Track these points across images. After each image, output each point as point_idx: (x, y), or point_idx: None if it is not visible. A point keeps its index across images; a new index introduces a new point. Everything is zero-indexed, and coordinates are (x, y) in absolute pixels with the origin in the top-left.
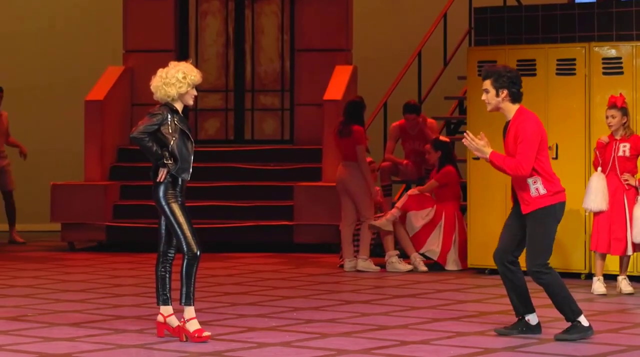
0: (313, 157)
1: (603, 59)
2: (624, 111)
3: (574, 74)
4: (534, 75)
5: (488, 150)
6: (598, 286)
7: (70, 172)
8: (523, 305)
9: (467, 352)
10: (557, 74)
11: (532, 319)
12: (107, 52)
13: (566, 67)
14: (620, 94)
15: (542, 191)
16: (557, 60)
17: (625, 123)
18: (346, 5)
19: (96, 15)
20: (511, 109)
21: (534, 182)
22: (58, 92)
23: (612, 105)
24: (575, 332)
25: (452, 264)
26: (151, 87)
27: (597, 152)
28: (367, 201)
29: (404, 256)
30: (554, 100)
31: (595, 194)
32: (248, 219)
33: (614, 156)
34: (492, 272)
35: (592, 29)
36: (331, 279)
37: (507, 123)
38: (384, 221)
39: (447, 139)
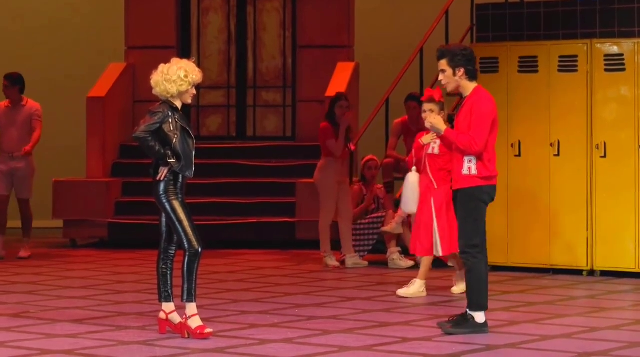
0: (315, 153)
1: (605, 55)
2: (441, 105)
3: (576, 70)
4: (536, 72)
5: (443, 127)
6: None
7: (72, 169)
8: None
9: (469, 349)
10: (559, 70)
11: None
12: (109, 49)
13: (568, 64)
14: (437, 87)
15: (474, 171)
16: (559, 57)
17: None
18: (348, 2)
19: (98, 11)
20: (469, 86)
21: (469, 161)
22: (60, 88)
23: (429, 98)
24: (466, 327)
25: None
26: (151, 82)
27: (414, 151)
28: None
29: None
30: (555, 97)
31: (413, 195)
32: (250, 215)
33: (425, 154)
34: (494, 269)
35: (594, 26)
36: (333, 275)
37: (462, 100)
38: (394, 225)
39: None
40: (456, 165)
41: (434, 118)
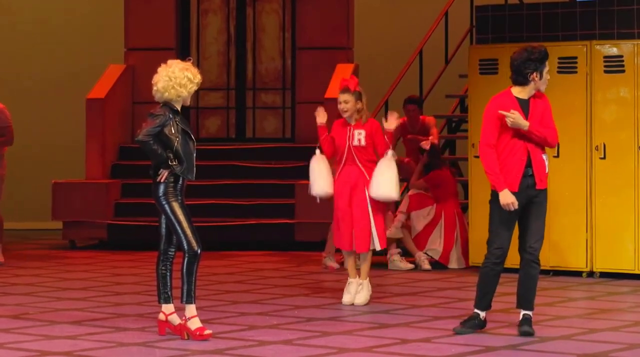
0: None
1: (604, 57)
2: (358, 95)
3: (575, 72)
4: None
5: (526, 123)
6: (349, 297)
7: (71, 170)
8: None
9: (469, 350)
10: (558, 72)
11: (485, 315)
12: (108, 50)
13: (567, 65)
14: (352, 76)
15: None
16: (559, 58)
17: (359, 108)
18: (347, 3)
19: (97, 13)
20: None
21: (547, 159)
22: (59, 90)
23: (345, 88)
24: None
25: (454, 263)
26: (159, 88)
27: (334, 137)
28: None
29: (407, 254)
30: (555, 98)
31: (320, 178)
32: (249, 217)
33: (349, 145)
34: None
35: (594, 27)
36: (332, 277)
37: (525, 101)
38: (394, 230)
39: (427, 147)
40: (540, 163)
41: (515, 115)
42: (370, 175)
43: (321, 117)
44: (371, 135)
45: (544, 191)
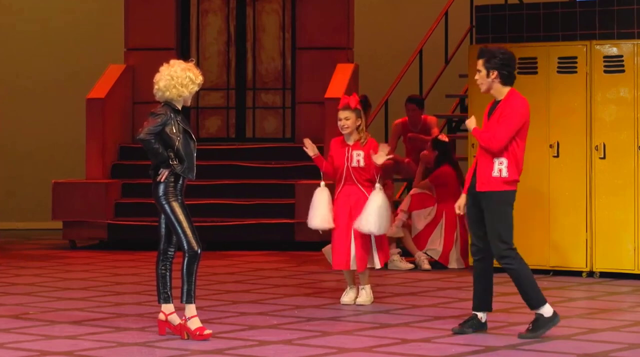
0: None
1: (604, 57)
2: (358, 113)
3: (575, 72)
4: (535, 73)
5: (470, 128)
6: (349, 297)
7: (71, 170)
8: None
9: (469, 350)
10: (558, 72)
11: (484, 317)
12: (108, 50)
13: (567, 65)
14: (354, 94)
15: (505, 174)
16: (559, 58)
17: (359, 126)
18: (347, 3)
19: (97, 13)
20: (502, 90)
21: (500, 163)
22: (60, 89)
23: (345, 106)
24: (542, 326)
25: (454, 263)
26: (160, 87)
27: (333, 159)
28: None
29: (407, 254)
30: (555, 98)
31: (319, 210)
32: (249, 217)
33: (347, 166)
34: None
35: (594, 27)
36: (332, 277)
37: (496, 104)
38: (395, 229)
39: (446, 139)
40: (484, 166)
41: (468, 120)
42: (370, 194)
43: (311, 149)
44: (369, 155)
45: (489, 195)
